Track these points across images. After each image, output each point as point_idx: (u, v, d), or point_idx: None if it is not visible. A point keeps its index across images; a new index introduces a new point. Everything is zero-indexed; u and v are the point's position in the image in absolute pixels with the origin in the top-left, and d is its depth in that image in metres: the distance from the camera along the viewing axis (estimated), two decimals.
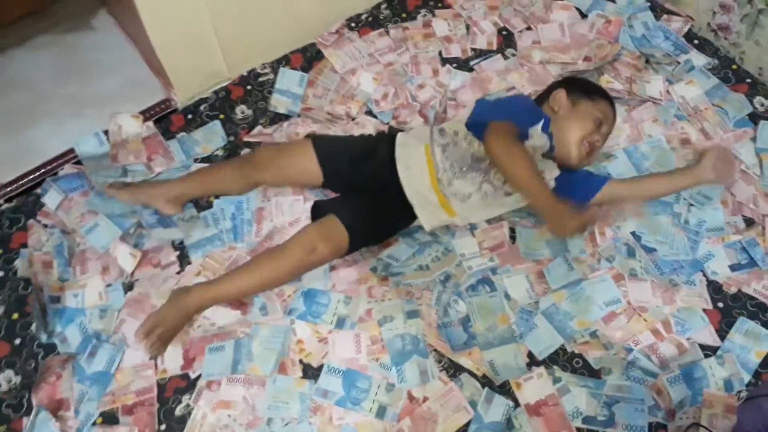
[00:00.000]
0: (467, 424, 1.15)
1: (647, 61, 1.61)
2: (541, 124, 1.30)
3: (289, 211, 1.38)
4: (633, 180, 1.40)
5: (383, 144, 1.35)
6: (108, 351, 1.21)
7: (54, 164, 1.45)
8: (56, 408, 1.16)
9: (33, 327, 1.24)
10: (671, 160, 1.45)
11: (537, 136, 1.29)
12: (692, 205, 1.39)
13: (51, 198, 1.38)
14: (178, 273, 1.32)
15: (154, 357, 1.19)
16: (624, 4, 1.72)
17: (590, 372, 1.22)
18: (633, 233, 1.37)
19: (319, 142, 1.35)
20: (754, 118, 1.52)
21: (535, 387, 1.18)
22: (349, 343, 1.23)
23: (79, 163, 1.45)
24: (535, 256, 1.34)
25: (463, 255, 1.33)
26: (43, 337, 1.23)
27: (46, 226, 1.36)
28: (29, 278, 1.28)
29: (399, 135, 1.35)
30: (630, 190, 1.36)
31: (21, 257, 1.31)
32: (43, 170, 1.44)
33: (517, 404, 1.17)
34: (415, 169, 1.29)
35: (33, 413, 1.13)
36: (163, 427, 1.16)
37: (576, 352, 1.23)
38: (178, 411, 1.17)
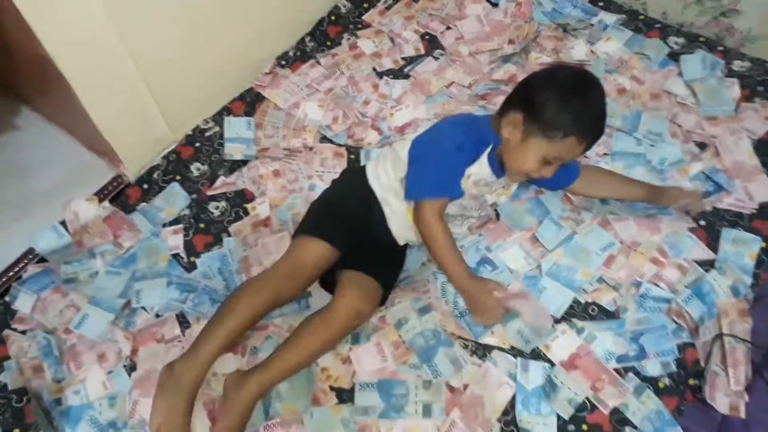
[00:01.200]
0: (513, 398, 1.14)
1: (565, 30, 1.71)
2: (485, 154, 1.19)
3: (276, 250, 1.36)
4: (611, 173, 1.36)
5: (369, 195, 1.28)
6: None
7: (15, 269, 1.37)
8: None
9: None
10: (615, 108, 1.53)
11: (479, 170, 1.20)
12: (652, 145, 1.47)
13: (22, 302, 1.30)
14: (180, 341, 1.26)
15: None
16: None
17: (607, 315, 1.24)
18: None
19: (318, 230, 1.23)
20: (674, 56, 1.64)
21: (563, 344, 1.19)
22: (372, 354, 1.20)
23: (42, 260, 1.38)
24: (521, 226, 1.37)
25: (455, 238, 1.34)
26: None
27: (24, 332, 1.28)
28: (23, 387, 1.19)
29: (372, 181, 1.28)
30: (607, 178, 1.34)
31: (7, 370, 1.22)
32: (4, 278, 1.36)
33: (551, 364, 1.18)
34: (397, 218, 1.28)
35: None
36: None
37: (589, 301, 1.26)
38: None
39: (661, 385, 1.16)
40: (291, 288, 1.20)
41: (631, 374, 1.17)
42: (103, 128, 1.41)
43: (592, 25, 1.71)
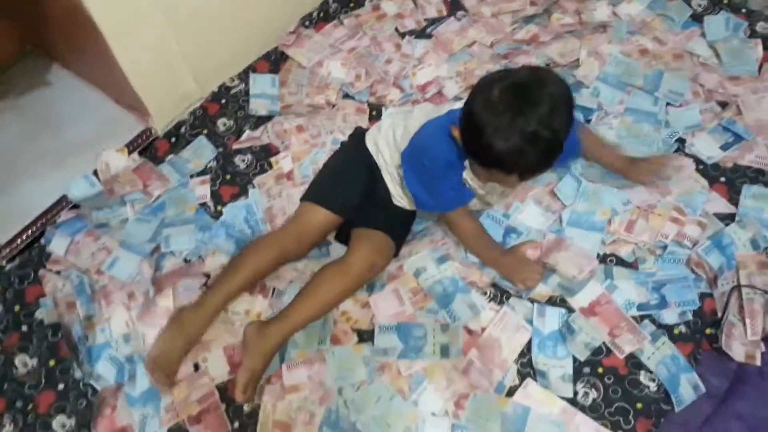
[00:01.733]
0: (530, 342, 1.17)
1: None
2: (467, 165, 1.15)
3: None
4: (598, 143, 1.37)
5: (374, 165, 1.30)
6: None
7: (49, 215, 1.42)
8: None
9: (74, 367, 1.20)
10: (636, 68, 1.54)
11: (468, 177, 1.17)
12: (670, 103, 1.48)
13: (57, 244, 1.36)
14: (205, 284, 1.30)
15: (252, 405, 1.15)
16: None
17: (626, 266, 1.26)
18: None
19: (323, 199, 1.27)
20: (697, 18, 1.64)
21: (585, 291, 1.20)
22: (390, 299, 1.24)
23: (75, 207, 1.43)
24: (539, 182, 1.38)
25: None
26: (78, 374, 1.19)
27: (58, 272, 1.33)
28: (58, 323, 1.24)
29: (374, 156, 1.30)
30: (592, 146, 1.35)
31: (43, 306, 1.28)
32: (39, 223, 1.41)
33: (569, 311, 1.20)
34: (398, 197, 1.32)
35: None
36: (236, 425, 1.13)
37: (608, 252, 1.27)
38: (247, 407, 1.15)
39: (676, 332, 1.18)
40: (296, 249, 1.26)
41: (646, 321, 1.18)
42: (134, 81, 1.45)
43: None
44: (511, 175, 1.02)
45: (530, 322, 1.19)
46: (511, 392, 1.12)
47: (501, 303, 1.22)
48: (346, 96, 1.60)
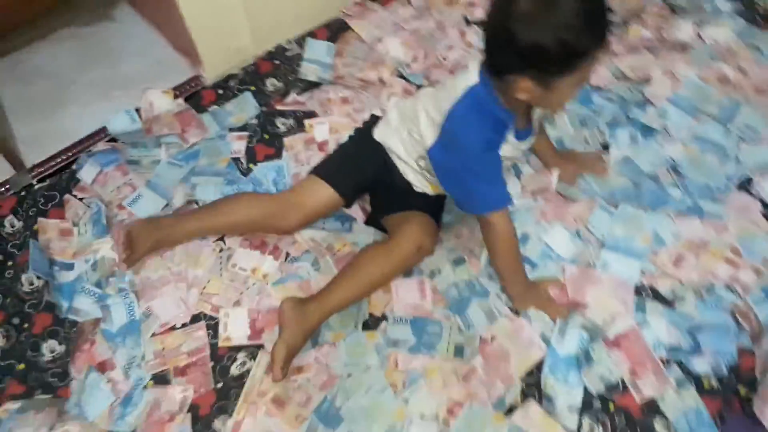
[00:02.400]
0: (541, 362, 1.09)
1: (673, 10, 1.61)
2: (510, 134, 1.06)
3: None
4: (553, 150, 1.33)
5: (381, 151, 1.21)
6: (121, 303, 1.17)
7: (86, 144, 1.42)
8: (101, 370, 1.10)
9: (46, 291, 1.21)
10: (709, 94, 1.43)
11: (507, 148, 1.07)
12: (742, 138, 1.36)
13: (87, 172, 1.35)
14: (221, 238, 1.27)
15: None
16: None
17: (663, 303, 1.16)
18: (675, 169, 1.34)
19: (330, 176, 1.21)
20: None
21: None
22: (413, 290, 1.18)
23: (112, 140, 1.42)
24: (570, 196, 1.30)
25: None
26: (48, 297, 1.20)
27: (81, 199, 1.32)
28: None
29: (387, 150, 1.20)
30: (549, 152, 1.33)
31: None
32: (75, 150, 1.41)
33: (591, 337, 1.11)
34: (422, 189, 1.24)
35: (84, 375, 1.07)
36: (219, 385, 1.09)
37: (646, 283, 1.18)
38: (234, 369, 1.11)
39: (706, 384, 1.08)
40: (284, 218, 1.20)
41: (674, 366, 1.08)
42: (192, 27, 1.43)
43: (704, 9, 1.59)
44: (604, 42, 0.91)
45: (547, 339, 1.10)
46: (510, 410, 1.05)
47: (518, 312, 1.14)
48: (401, 76, 1.54)
